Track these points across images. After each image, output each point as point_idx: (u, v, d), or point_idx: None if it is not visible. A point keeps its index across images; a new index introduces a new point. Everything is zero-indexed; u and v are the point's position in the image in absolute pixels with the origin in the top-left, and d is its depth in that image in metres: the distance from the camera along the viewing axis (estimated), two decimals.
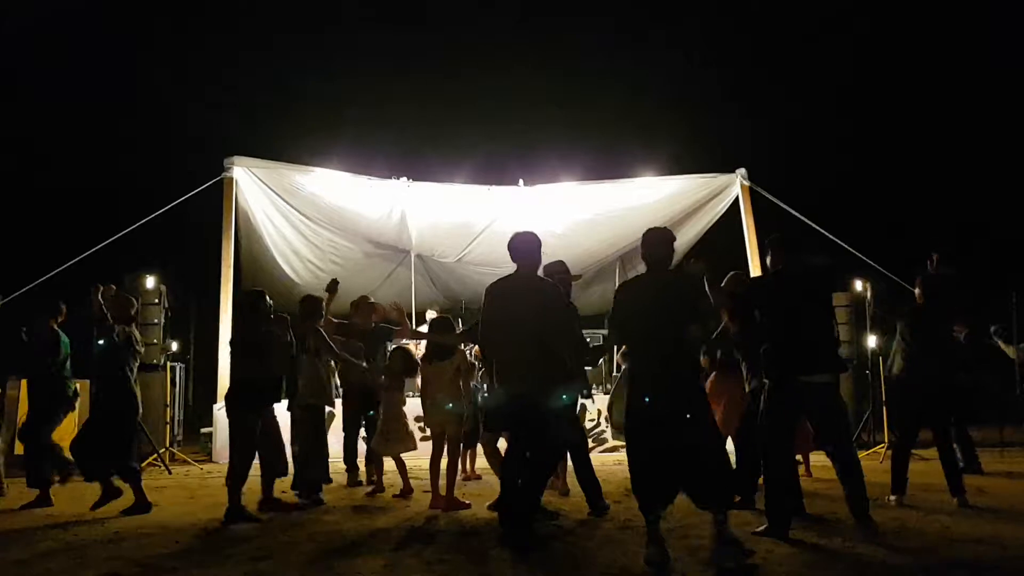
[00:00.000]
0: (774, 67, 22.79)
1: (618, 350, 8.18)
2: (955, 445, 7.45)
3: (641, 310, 4.92)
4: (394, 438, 7.36)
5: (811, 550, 4.89)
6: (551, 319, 5.37)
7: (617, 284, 12.82)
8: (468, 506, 6.58)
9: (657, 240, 5.05)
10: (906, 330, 6.80)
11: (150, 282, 10.58)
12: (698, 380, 5.28)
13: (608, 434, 10.78)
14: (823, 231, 11.89)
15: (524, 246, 5.52)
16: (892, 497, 6.48)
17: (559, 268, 6.32)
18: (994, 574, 4.26)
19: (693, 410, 4.72)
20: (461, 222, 12.54)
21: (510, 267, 5.59)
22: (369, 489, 7.63)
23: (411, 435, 7.48)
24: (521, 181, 12.59)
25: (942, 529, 5.42)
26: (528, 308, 5.31)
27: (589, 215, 12.74)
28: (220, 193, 11.31)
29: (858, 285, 11.63)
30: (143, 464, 9.81)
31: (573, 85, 22.98)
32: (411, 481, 7.47)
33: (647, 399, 4.75)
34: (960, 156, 20.80)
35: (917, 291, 6.92)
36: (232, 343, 6.99)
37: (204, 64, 21.44)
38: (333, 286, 8.25)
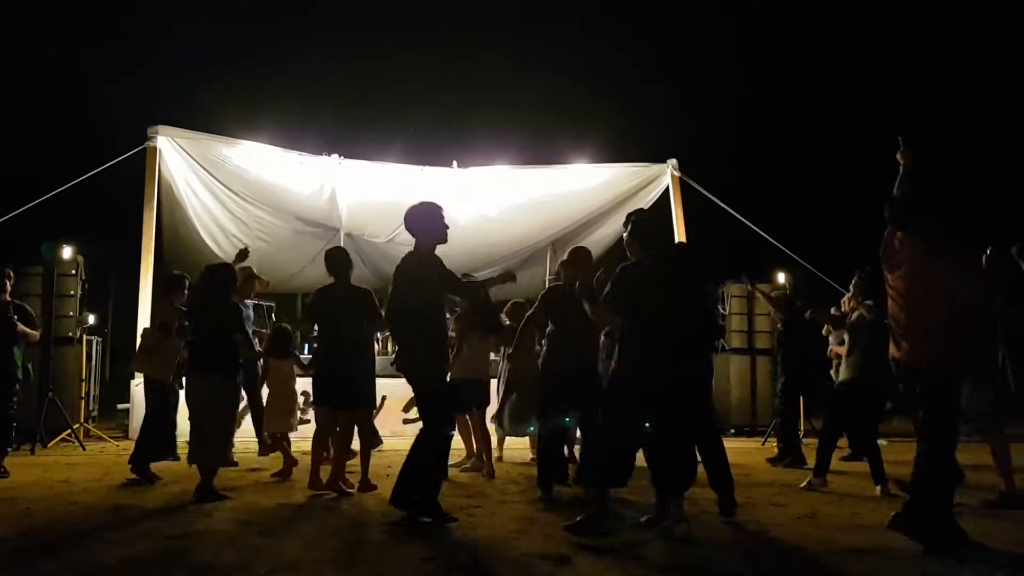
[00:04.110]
0: (709, 59, 23.11)
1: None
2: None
3: (658, 288, 5.08)
4: (279, 414, 7.44)
5: (724, 534, 5.04)
6: (402, 300, 5.42)
7: (548, 269, 12.94)
8: (375, 487, 6.48)
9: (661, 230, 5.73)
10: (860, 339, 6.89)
11: (67, 252, 10.24)
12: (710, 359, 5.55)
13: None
14: (748, 222, 12.16)
15: (411, 220, 5.53)
16: (815, 480, 6.78)
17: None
18: (900, 560, 4.41)
19: (704, 385, 5.28)
20: (393, 201, 12.32)
21: (443, 249, 5.54)
22: (276, 469, 7.35)
23: (295, 415, 7.59)
24: (455, 163, 12.54)
25: (852, 515, 5.61)
26: (400, 284, 5.43)
27: (522, 199, 12.69)
28: (143, 163, 10.97)
29: (780, 277, 11.94)
30: (56, 440, 9.55)
31: (508, 69, 22.94)
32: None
33: (664, 366, 4.86)
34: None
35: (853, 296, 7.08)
36: None
37: (131, 31, 20.73)
38: (243, 255, 8.36)
